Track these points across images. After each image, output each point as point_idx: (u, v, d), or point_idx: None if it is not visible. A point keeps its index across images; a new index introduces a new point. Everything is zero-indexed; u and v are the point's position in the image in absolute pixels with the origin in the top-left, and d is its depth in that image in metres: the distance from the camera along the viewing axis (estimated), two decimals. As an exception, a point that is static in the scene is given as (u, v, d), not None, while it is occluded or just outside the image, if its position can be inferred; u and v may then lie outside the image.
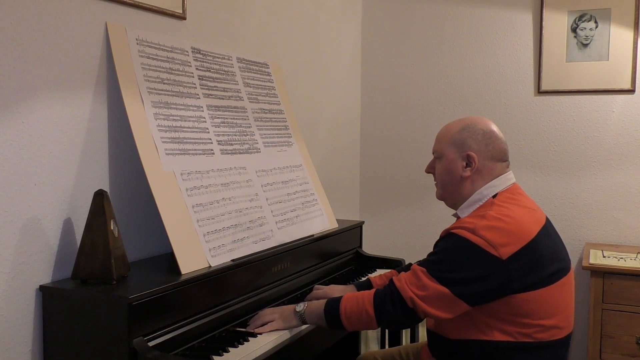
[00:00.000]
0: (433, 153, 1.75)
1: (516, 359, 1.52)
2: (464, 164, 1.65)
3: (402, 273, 1.61)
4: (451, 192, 1.70)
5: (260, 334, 1.68)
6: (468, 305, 1.51)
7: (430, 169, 1.77)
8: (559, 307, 1.55)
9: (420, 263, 1.58)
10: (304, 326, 1.77)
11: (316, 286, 2.03)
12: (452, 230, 1.56)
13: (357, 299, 1.62)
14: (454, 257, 1.52)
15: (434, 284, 1.51)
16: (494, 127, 1.69)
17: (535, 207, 1.65)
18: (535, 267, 1.51)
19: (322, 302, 1.68)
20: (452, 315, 1.52)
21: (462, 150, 1.66)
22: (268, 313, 1.76)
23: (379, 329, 2.62)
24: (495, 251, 1.48)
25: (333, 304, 1.65)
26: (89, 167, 1.69)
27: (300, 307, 1.71)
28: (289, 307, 1.74)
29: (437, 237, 1.64)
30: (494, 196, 1.62)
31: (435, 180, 1.76)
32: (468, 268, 1.49)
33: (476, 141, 1.65)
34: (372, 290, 1.62)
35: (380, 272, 2.49)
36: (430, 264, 1.55)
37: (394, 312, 1.55)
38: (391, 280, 1.60)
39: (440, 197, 1.76)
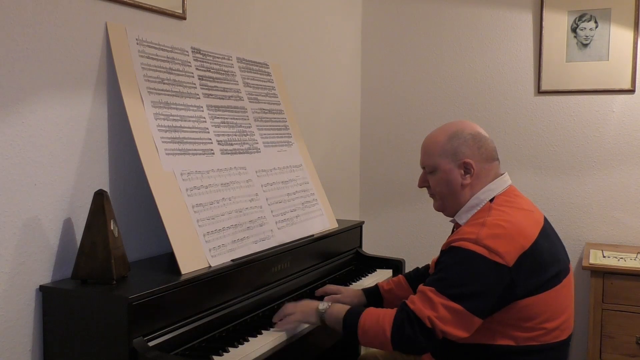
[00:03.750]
0: (423, 167, 1.72)
1: None
2: (462, 172, 1.63)
3: (412, 295, 1.56)
4: (452, 201, 1.67)
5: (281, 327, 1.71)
6: (481, 319, 1.49)
7: (423, 183, 1.73)
8: (560, 309, 1.55)
9: (427, 283, 1.54)
10: (305, 325, 1.78)
11: (329, 285, 2.05)
12: (454, 244, 1.53)
13: (377, 316, 1.56)
14: (460, 271, 1.49)
15: (445, 301, 1.47)
16: (479, 129, 1.68)
17: (533, 209, 1.64)
18: (537, 271, 1.50)
19: (344, 308, 1.64)
20: (468, 333, 1.48)
21: (456, 159, 1.63)
22: (290, 306, 1.75)
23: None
24: (501, 259, 1.46)
25: (353, 315, 1.60)
26: (89, 167, 1.69)
27: (323, 305, 1.68)
28: (312, 304, 1.72)
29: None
30: (491, 200, 1.61)
31: (430, 193, 1.73)
32: (476, 280, 1.47)
33: (469, 147, 1.63)
34: (393, 311, 1.55)
35: (380, 272, 2.49)
36: (438, 281, 1.51)
37: (412, 334, 1.49)
38: (404, 304, 1.54)
39: (440, 208, 1.73)
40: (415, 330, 1.49)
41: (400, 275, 2.07)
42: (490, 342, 1.52)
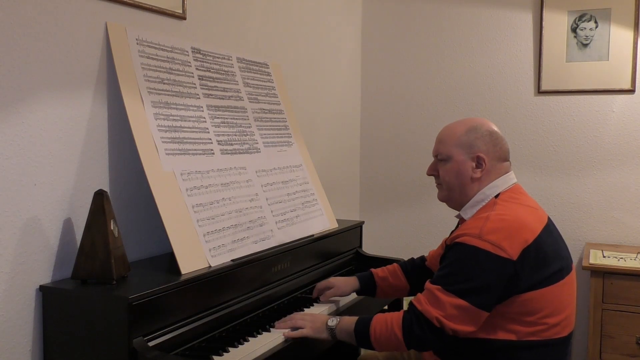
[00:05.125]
0: (436, 156, 1.73)
1: (519, 357, 1.53)
2: (474, 165, 1.65)
3: (419, 294, 1.58)
4: (458, 193, 1.68)
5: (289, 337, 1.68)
6: (488, 313, 1.51)
7: (433, 172, 1.75)
8: (562, 306, 1.56)
9: (434, 280, 1.55)
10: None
11: (318, 283, 2.04)
12: (458, 240, 1.54)
13: (386, 322, 1.58)
14: (465, 267, 1.51)
15: (452, 298, 1.49)
16: (496, 129, 1.71)
17: (537, 207, 1.66)
18: (540, 266, 1.52)
19: (353, 320, 1.65)
20: (476, 327, 1.51)
21: (471, 151, 1.65)
22: (299, 318, 1.74)
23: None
24: (504, 253, 1.48)
25: (363, 325, 1.62)
26: (89, 167, 1.69)
27: (332, 321, 1.68)
28: (321, 318, 1.72)
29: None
30: (497, 196, 1.63)
31: (437, 182, 1.75)
32: (482, 275, 1.48)
33: (484, 142, 1.65)
34: (400, 314, 1.58)
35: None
36: (444, 278, 1.53)
37: (422, 335, 1.51)
38: (412, 304, 1.56)
39: (445, 198, 1.74)
40: (424, 330, 1.51)
41: (395, 264, 2.07)
42: (492, 337, 1.53)
